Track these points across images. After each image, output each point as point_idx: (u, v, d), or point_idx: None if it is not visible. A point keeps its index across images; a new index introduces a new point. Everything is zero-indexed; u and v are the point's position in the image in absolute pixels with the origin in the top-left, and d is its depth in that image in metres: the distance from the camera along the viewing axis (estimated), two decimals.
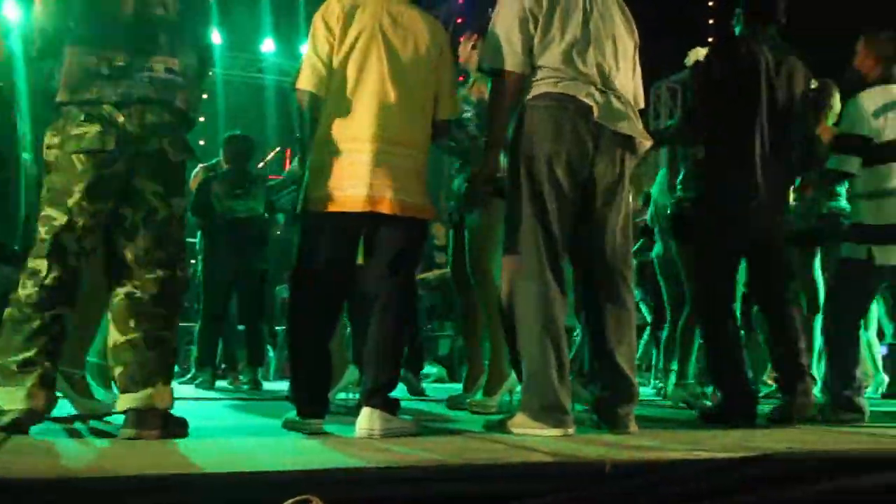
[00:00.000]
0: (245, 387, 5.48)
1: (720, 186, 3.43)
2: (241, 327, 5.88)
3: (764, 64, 3.39)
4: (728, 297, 3.44)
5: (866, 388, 5.49)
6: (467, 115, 3.75)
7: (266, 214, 5.72)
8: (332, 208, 2.61)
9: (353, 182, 2.59)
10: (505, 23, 2.75)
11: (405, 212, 2.63)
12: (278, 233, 6.71)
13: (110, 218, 2.36)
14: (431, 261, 6.95)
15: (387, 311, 2.67)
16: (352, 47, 2.65)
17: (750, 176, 3.34)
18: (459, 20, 9.66)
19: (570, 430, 2.58)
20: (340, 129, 2.64)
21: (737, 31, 3.59)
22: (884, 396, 5.69)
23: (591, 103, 2.71)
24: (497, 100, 2.81)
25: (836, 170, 3.57)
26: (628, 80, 2.88)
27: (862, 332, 4.21)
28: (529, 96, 2.73)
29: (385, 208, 2.59)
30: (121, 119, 2.32)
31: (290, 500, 1.51)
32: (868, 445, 2.54)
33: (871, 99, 3.49)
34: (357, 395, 3.21)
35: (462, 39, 4.01)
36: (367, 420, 2.49)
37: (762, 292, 3.53)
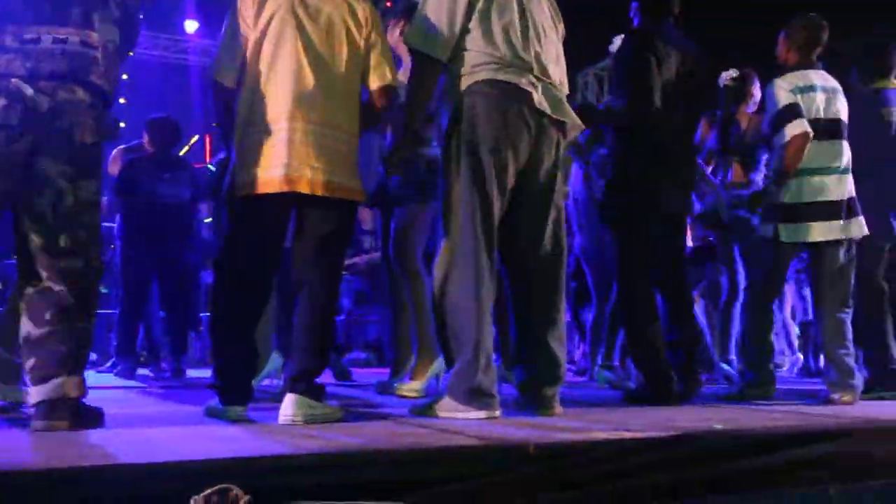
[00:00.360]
0: (167, 374, 5.35)
1: (637, 174, 3.46)
2: (162, 314, 5.73)
3: (674, 56, 3.47)
4: (647, 281, 3.48)
5: (781, 366, 5.69)
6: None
7: (193, 201, 5.57)
8: (254, 191, 2.54)
9: (274, 163, 2.53)
10: (437, 7, 2.73)
11: (328, 192, 2.57)
12: (208, 220, 6.55)
13: (17, 203, 2.23)
14: (360, 245, 6.89)
15: (314, 297, 2.62)
16: (265, 29, 2.60)
17: (663, 164, 3.44)
18: (388, 3, 9.54)
19: (496, 413, 2.58)
20: (260, 112, 2.58)
21: (635, 23, 3.65)
22: (800, 375, 5.90)
23: (531, 90, 2.74)
24: (420, 81, 2.79)
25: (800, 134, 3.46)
26: (557, 67, 2.91)
27: (777, 311, 4.33)
28: (471, 82, 2.72)
29: (304, 188, 2.53)
30: (29, 93, 2.19)
31: (209, 490, 1.47)
32: (784, 422, 2.61)
33: (786, 81, 3.58)
34: (281, 382, 3.15)
35: (390, 24, 3.95)
36: (290, 406, 2.45)
37: (664, 277, 3.57)
